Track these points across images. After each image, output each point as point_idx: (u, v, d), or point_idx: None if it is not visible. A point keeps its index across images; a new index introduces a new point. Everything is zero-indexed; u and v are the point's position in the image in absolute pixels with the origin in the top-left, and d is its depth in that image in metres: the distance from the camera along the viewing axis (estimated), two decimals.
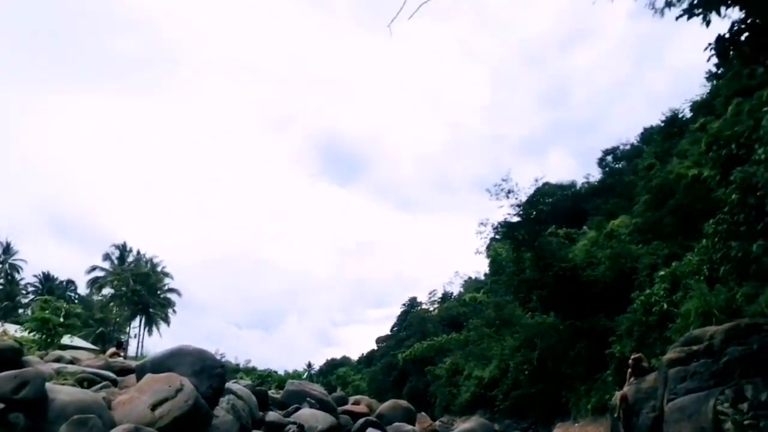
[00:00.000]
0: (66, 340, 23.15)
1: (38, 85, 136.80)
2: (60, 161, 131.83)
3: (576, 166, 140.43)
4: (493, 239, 38.17)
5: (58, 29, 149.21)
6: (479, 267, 77.10)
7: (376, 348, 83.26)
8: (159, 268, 66.11)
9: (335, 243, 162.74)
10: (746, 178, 11.21)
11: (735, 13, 12.17)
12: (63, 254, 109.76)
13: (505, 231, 33.15)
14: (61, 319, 21.23)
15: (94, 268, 62.69)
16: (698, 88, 38.67)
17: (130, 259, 66.06)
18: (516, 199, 31.64)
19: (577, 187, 55.94)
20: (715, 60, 12.74)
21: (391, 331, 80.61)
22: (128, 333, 61.28)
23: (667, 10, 13.61)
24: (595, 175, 55.63)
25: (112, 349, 18.42)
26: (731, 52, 12.45)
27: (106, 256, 64.01)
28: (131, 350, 53.12)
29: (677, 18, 12.59)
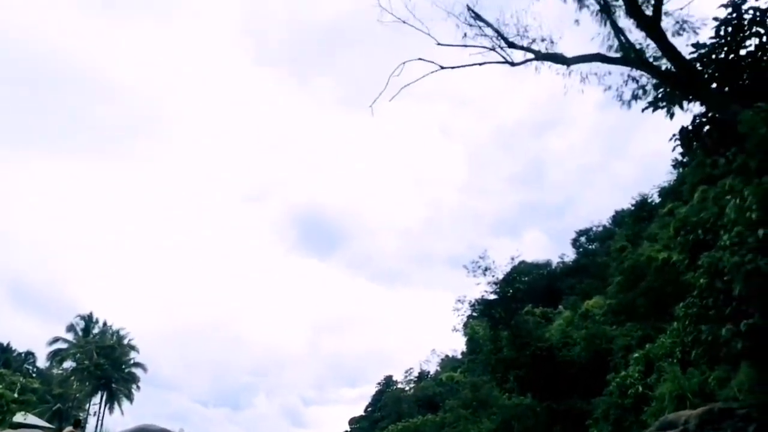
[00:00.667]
0: (19, 417, 22.05)
1: (2, 149, 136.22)
2: (24, 228, 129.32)
3: (550, 246, 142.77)
4: (470, 317, 38.11)
5: (29, 95, 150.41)
6: (456, 345, 76.24)
7: (348, 429, 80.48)
8: (125, 341, 63.96)
9: (310, 317, 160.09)
10: (713, 263, 11.59)
11: (696, 108, 13.04)
12: (24, 324, 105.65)
13: (482, 309, 33.18)
14: (16, 395, 20.33)
15: (56, 340, 60.41)
16: (666, 174, 40.43)
17: (96, 330, 63.90)
18: (493, 276, 31.90)
19: (553, 267, 56.72)
20: (680, 149, 13.51)
21: (366, 411, 78.29)
22: (88, 410, 58.40)
23: (633, 102, 14.54)
24: (570, 255, 56.66)
25: (69, 428, 17.58)
26: (694, 143, 13.19)
27: (71, 327, 61.81)
28: (89, 429, 50.65)
29: (643, 110, 13.44)
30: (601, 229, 55.07)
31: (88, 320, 63.55)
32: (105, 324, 64.44)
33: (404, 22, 14.45)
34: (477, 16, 14.20)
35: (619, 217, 50.59)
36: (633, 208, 45.06)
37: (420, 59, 14.17)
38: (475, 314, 36.30)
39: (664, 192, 38.95)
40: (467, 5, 14.23)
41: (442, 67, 14.27)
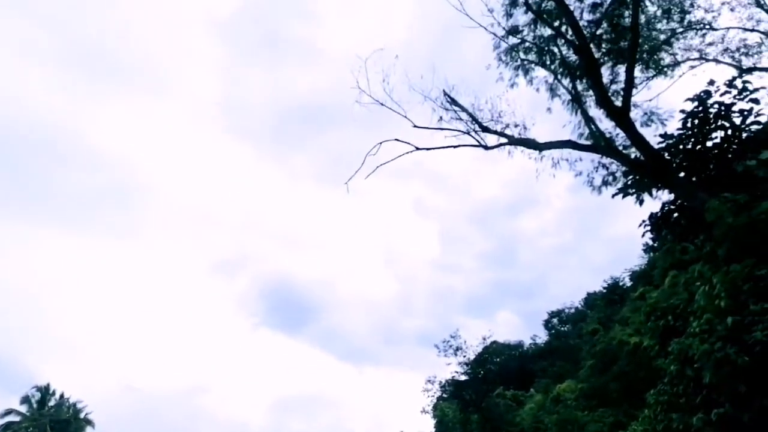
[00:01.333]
0: None
1: None
2: None
3: (523, 327, 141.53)
4: (440, 398, 37.16)
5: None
6: (425, 427, 73.83)
7: None
8: (82, 414, 60.70)
9: (276, 394, 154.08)
10: (683, 350, 11.52)
11: (665, 195, 13.40)
12: None
13: (453, 390, 32.50)
14: None
15: (9, 412, 57.12)
16: (637, 258, 41.06)
17: (52, 403, 60.72)
18: (464, 356, 31.47)
19: (525, 348, 56.13)
20: (650, 235, 13.75)
21: None
22: None
23: (603, 188, 14.92)
24: (542, 336, 56.25)
25: None
26: (664, 230, 13.44)
27: (25, 399, 58.58)
28: None
29: (613, 196, 13.74)
30: (573, 311, 55.10)
31: (45, 392, 60.36)
32: (62, 396, 61.27)
33: (382, 104, 14.82)
34: (453, 101, 14.65)
35: (591, 300, 50.81)
36: (605, 290, 45.40)
37: (396, 140, 14.44)
38: (445, 395, 35.43)
39: (635, 276, 39.42)
40: (444, 90, 14.72)
41: (418, 148, 14.54)
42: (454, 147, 14.77)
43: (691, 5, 17.64)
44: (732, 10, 19.87)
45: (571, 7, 14.22)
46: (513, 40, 15.36)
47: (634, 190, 13.49)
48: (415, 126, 14.78)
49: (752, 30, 19.76)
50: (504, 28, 15.26)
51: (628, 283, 41.21)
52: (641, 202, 13.44)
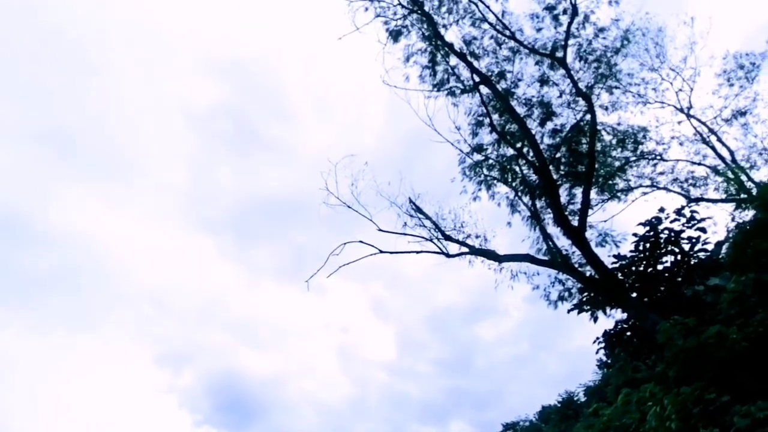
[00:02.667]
0: None
1: None
2: None
3: None
4: None
5: None
6: None
7: None
8: None
9: None
10: None
11: (618, 314, 13.76)
12: None
13: None
14: None
15: None
16: (591, 373, 41.03)
17: None
18: None
19: None
20: (604, 351, 13.96)
21: None
22: None
23: (559, 303, 15.26)
24: None
25: None
26: (617, 348, 13.67)
27: None
28: None
29: (569, 311, 14.05)
30: (528, 423, 53.92)
31: None
32: None
33: (349, 206, 15.17)
34: (417, 209, 15.12)
35: (545, 413, 49.88)
36: (559, 404, 44.88)
37: (361, 242, 14.67)
38: None
39: (589, 391, 39.20)
40: (409, 198, 15.23)
41: (381, 251, 14.77)
42: (417, 252, 15.06)
43: (644, 137, 19.05)
44: (681, 144, 21.53)
45: (533, 131, 15.22)
46: (477, 156, 16.19)
47: (588, 307, 13.84)
48: (379, 230, 15.09)
49: (699, 164, 21.31)
50: (469, 145, 16.13)
51: (583, 398, 40.89)
52: (596, 319, 13.76)
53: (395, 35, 15.77)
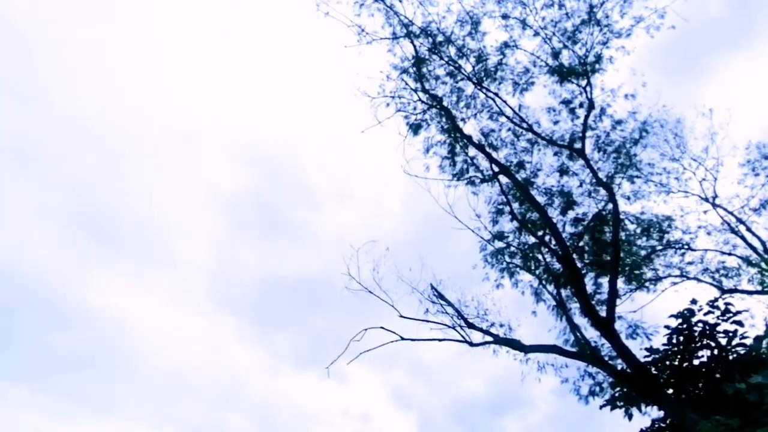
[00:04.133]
0: None
1: None
2: None
3: None
4: None
5: None
6: None
7: None
8: None
9: None
10: None
11: (655, 411, 12.90)
12: None
13: None
14: None
15: None
16: None
17: None
18: None
19: None
20: None
21: None
22: None
23: (590, 398, 14.43)
24: None
25: None
26: None
27: None
28: None
29: (601, 407, 13.23)
30: None
31: None
32: None
33: (370, 292, 14.97)
34: (439, 296, 14.83)
35: None
36: None
37: (382, 328, 14.35)
38: None
39: None
40: (431, 284, 14.98)
41: (403, 339, 14.38)
42: (439, 340, 14.61)
43: (669, 226, 18.71)
44: (709, 233, 21.02)
45: (555, 220, 15.10)
46: (499, 244, 16.04)
47: (622, 403, 13.03)
48: (401, 316, 14.79)
49: (729, 254, 20.68)
50: (490, 233, 16.03)
51: None
52: (630, 417, 12.90)
53: (415, 128, 16.20)
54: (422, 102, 16.25)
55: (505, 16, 16.06)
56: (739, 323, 12.26)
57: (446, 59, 16.15)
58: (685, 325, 12.60)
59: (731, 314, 12.26)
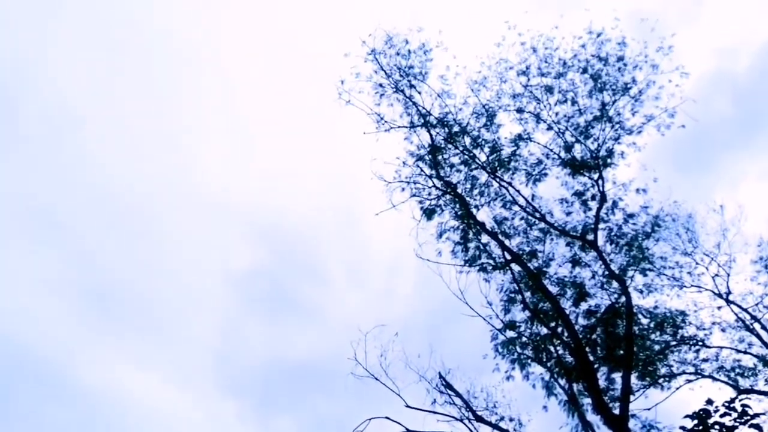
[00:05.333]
0: None
1: None
2: None
3: None
4: None
5: None
6: None
7: None
8: None
9: None
10: None
11: None
12: None
13: None
14: None
15: None
16: None
17: None
18: None
19: None
20: None
21: None
22: None
23: None
24: None
25: None
26: None
27: None
28: None
29: None
30: None
31: None
32: None
33: (376, 378, 14.73)
34: (447, 385, 14.56)
35: None
36: None
37: (387, 418, 14.02)
38: None
39: None
40: (439, 373, 14.75)
41: (408, 431, 14.02)
42: None
43: (683, 321, 18.45)
44: (723, 330, 20.66)
45: (567, 311, 15.00)
46: (510, 333, 15.86)
47: None
48: (407, 405, 14.46)
49: (745, 352, 20.22)
50: (502, 321, 15.89)
51: None
52: None
53: (429, 214, 16.47)
54: (437, 188, 16.60)
55: (519, 110, 16.68)
56: (758, 427, 11.84)
57: (461, 148, 16.65)
58: (701, 427, 12.19)
59: (749, 417, 11.85)
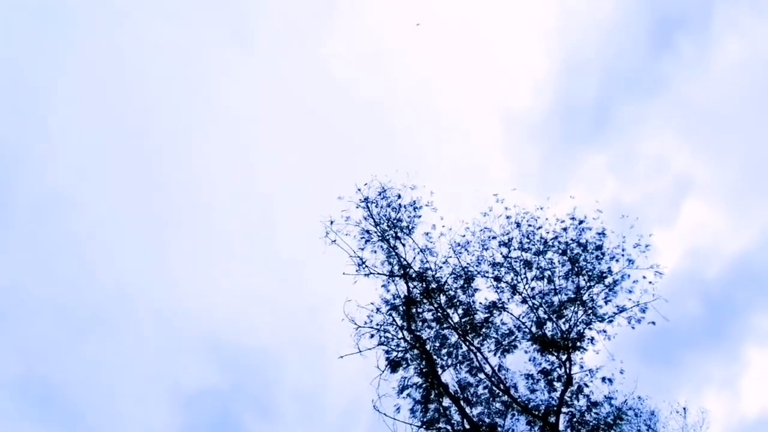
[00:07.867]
0: None
1: None
2: None
3: None
4: None
5: None
6: None
7: None
8: None
9: None
10: None
11: None
12: None
13: None
14: None
15: None
16: None
17: None
18: None
19: None
20: None
21: None
22: None
23: None
24: None
25: None
26: None
27: None
28: None
29: None
30: None
31: None
32: None
33: None
34: None
35: None
36: None
37: None
38: None
39: None
40: None
41: None
42: None
43: None
44: None
45: None
46: None
47: None
48: None
49: None
50: None
51: None
52: None
53: (394, 366, 16.13)
54: (406, 341, 16.42)
55: (497, 279, 17.02)
56: None
57: (436, 305, 16.74)
58: None
59: None
